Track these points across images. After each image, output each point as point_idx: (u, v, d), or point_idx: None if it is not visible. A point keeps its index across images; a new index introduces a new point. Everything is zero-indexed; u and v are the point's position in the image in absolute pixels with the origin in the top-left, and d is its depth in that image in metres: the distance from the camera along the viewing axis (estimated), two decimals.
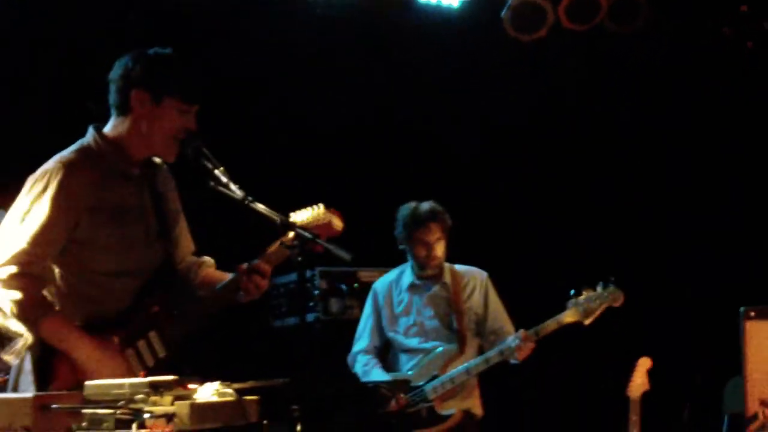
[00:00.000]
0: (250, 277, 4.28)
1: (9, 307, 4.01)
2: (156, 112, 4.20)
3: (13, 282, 4.01)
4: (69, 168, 4.12)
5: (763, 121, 8.09)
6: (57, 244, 4.10)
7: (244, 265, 4.30)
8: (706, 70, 8.07)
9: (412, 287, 6.34)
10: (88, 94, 6.21)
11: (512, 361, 6.07)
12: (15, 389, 4.11)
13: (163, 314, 4.26)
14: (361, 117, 7.84)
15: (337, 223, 4.38)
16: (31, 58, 6.55)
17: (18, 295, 4.00)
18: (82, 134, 4.32)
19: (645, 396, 5.96)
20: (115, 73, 4.26)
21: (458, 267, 6.37)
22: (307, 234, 4.07)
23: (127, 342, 4.18)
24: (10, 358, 4.13)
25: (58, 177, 4.09)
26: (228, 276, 4.40)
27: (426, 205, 6.24)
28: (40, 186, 4.10)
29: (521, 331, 5.96)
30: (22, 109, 6.42)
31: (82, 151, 4.22)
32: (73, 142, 4.31)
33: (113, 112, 4.28)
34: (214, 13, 7.13)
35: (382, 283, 6.47)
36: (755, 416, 5.21)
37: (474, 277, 6.35)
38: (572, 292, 6.03)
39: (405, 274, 6.39)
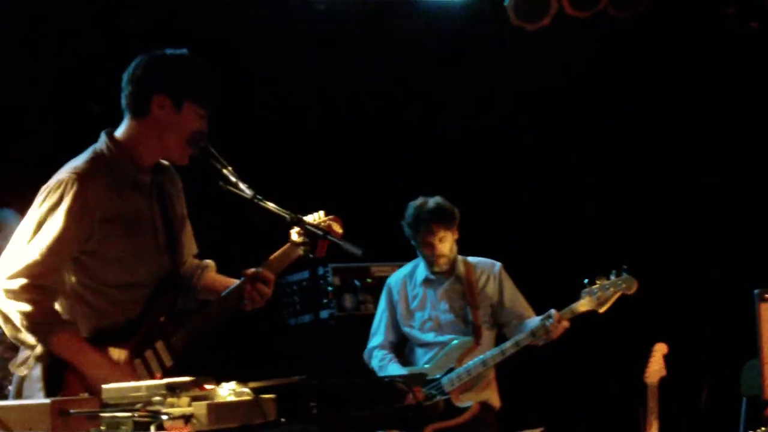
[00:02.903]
0: (254, 286, 4.27)
1: (19, 319, 3.97)
2: (175, 117, 4.15)
3: (23, 294, 3.96)
4: (84, 179, 4.06)
5: None
6: (69, 256, 4.06)
7: (250, 270, 4.29)
8: (711, 52, 8.04)
9: (426, 282, 6.32)
10: (90, 94, 6.26)
11: (542, 342, 6.04)
12: (18, 396, 4.08)
13: (169, 324, 4.24)
14: (368, 111, 7.82)
15: (337, 228, 4.39)
16: (32, 57, 6.54)
17: (28, 307, 3.96)
18: (90, 136, 4.27)
19: (662, 381, 5.95)
20: (134, 74, 4.18)
21: (471, 259, 6.36)
22: (318, 231, 4.04)
23: (135, 353, 4.15)
24: (19, 370, 4.11)
25: (74, 188, 4.02)
26: (231, 281, 4.39)
27: (431, 204, 6.19)
28: (54, 197, 4.04)
29: (553, 311, 5.95)
30: (27, 111, 6.43)
31: (96, 160, 4.15)
32: (81, 138, 4.28)
33: (127, 113, 4.21)
34: (212, 9, 7.10)
35: (396, 278, 6.46)
36: None
37: (487, 268, 6.34)
38: (586, 281, 6.02)
39: (419, 268, 6.37)
